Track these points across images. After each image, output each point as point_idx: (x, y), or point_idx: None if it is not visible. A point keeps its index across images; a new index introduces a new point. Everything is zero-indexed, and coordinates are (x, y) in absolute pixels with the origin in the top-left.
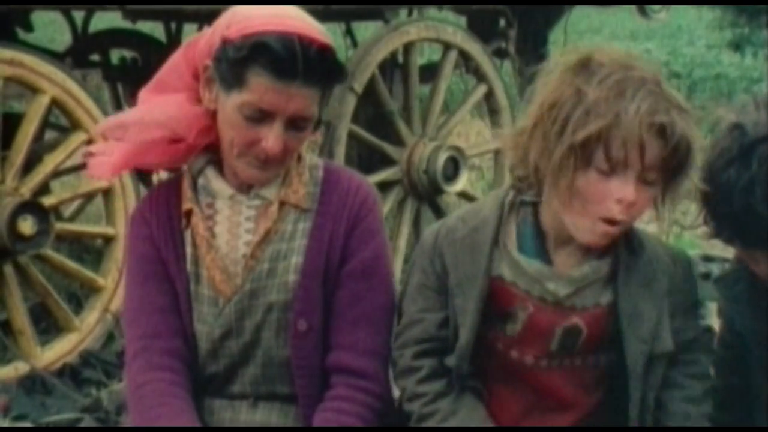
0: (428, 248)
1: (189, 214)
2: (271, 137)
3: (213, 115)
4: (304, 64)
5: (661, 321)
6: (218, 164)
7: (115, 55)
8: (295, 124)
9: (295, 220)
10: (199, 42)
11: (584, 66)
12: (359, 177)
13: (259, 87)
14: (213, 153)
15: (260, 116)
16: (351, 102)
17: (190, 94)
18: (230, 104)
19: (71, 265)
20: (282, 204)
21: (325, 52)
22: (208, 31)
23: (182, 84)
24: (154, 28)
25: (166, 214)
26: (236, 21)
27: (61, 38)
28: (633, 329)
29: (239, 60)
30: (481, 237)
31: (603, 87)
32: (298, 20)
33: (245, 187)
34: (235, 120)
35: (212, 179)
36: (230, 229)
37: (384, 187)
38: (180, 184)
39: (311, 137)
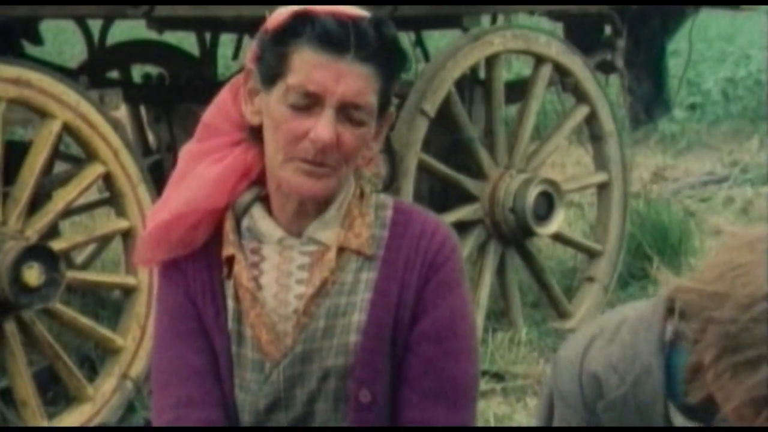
0: (573, 402)
1: (231, 261)
2: (320, 125)
3: (259, 140)
4: (356, 34)
5: None
6: (266, 201)
7: (138, 72)
8: (350, 114)
9: (357, 269)
10: (246, 62)
11: None
12: (435, 218)
13: (304, 64)
14: (260, 187)
15: (307, 103)
16: (421, 126)
17: (237, 158)
18: (273, 99)
19: (84, 321)
20: (341, 250)
21: (381, 25)
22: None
23: (230, 122)
24: (184, 39)
25: (204, 260)
26: (281, 12)
27: (72, 51)
28: None
29: (281, 35)
30: (649, 393)
31: None
32: (350, 9)
33: (297, 229)
34: (279, 114)
35: (259, 220)
36: (279, 280)
37: (462, 228)
38: (221, 225)
39: (371, 166)
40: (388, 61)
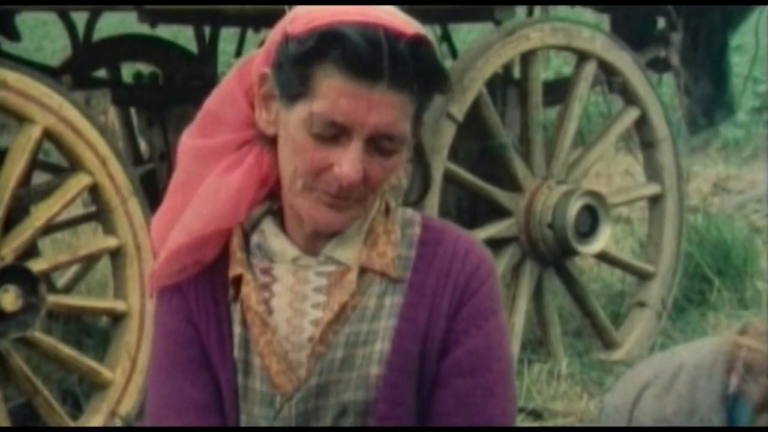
0: None
1: (238, 281)
2: (347, 160)
3: (272, 143)
4: (391, 59)
5: None
6: (279, 215)
7: (128, 71)
8: (380, 145)
9: (381, 293)
10: (257, 58)
11: None
12: (469, 237)
13: (331, 91)
14: (272, 200)
15: (333, 133)
16: (448, 132)
17: (253, 166)
18: (293, 119)
19: (67, 351)
20: (363, 271)
21: (420, 46)
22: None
23: (239, 115)
24: (179, 33)
25: (207, 280)
26: (302, 14)
27: (53, 47)
28: None
29: (304, 56)
30: None
31: None
32: (385, 13)
33: (314, 247)
34: (300, 140)
35: (270, 236)
36: (293, 304)
37: (494, 246)
38: (227, 242)
39: (393, 179)
40: (426, 86)
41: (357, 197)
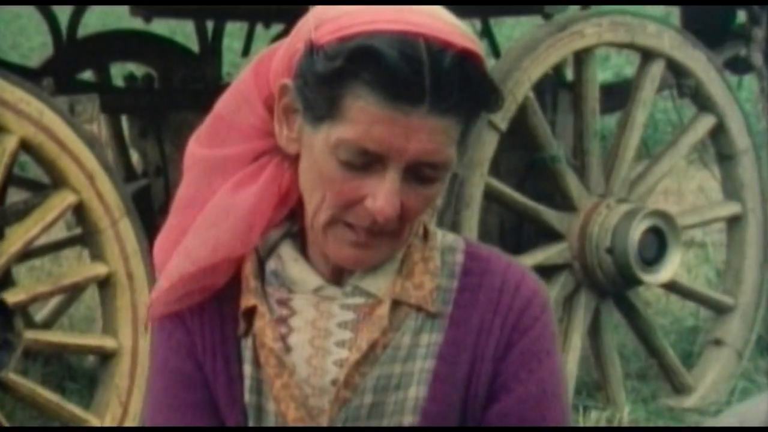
0: None
1: (251, 314)
2: (382, 193)
3: (294, 162)
4: (433, 79)
5: None
6: (300, 239)
7: (119, 72)
8: (420, 173)
9: (417, 329)
10: (276, 53)
11: None
12: (520, 266)
13: (363, 115)
14: (292, 221)
15: (365, 161)
16: (490, 143)
17: (270, 181)
18: (319, 144)
19: (47, 396)
20: (396, 304)
21: (467, 61)
22: (287, 38)
23: (255, 121)
24: (176, 29)
25: (214, 311)
26: (330, 19)
27: (30, 44)
28: None
29: (333, 74)
30: None
31: None
32: (425, 17)
33: (340, 276)
34: (327, 167)
35: (289, 262)
36: (314, 341)
37: (543, 274)
38: (240, 266)
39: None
40: (474, 106)
41: (391, 231)
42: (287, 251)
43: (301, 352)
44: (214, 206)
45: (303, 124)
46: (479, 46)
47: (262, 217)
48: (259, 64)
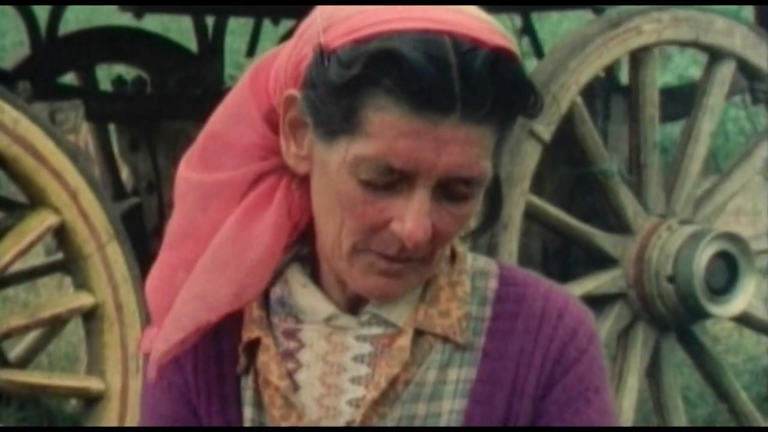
0: None
1: (253, 347)
2: (411, 215)
3: (304, 182)
4: (463, 83)
5: None
6: (310, 262)
7: (106, 75)
8: (452, 191)
9: (443, 363)
10: (276, 60)
11: None
12: (562, 292)
13: (385, 129)
14: (300, 243)
15: (389, 181)
16: (532, 156)
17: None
18: (335, 162)
19: None
20: (420, 334)
21: (500, 60)
22: (290, 42)
23: (254, 138)
24: (170, 25)
25: (211, 346)
26: (341, 19)
27: (2, 42)
28: None
29: (349, 83)
30: None
31: None
32: (450, 13)
33: (355, 303)
34: (345, 188)
35: (297, 288)
36: (326, 378)
37: (594, 305)
38: None
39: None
40: (510, 112)
41: (421, 257)
42: (295, 276)
43: (311, 391)
44: (225, 242)
45: (314, 139)
46: (513, 44)
47: (279, 248)
48: (256, 73)
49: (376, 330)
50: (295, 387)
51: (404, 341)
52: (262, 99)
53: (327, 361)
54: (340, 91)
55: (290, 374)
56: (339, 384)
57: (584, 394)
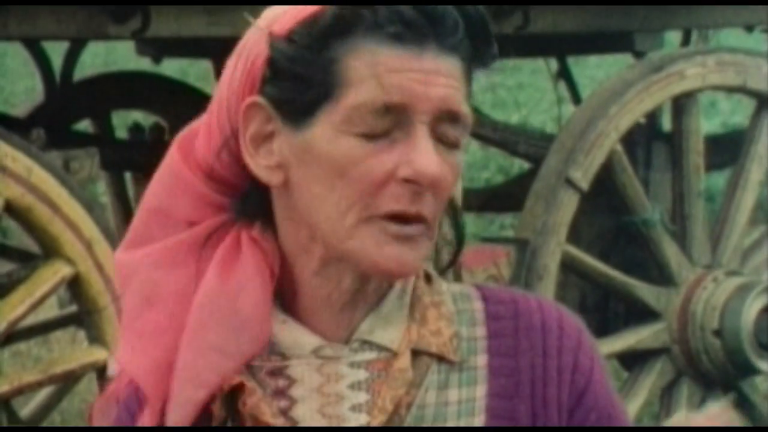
0: None
1: (238, 392)
2: (417, 153)
3: (263, 216)
4: (433, 11)
5: None
6: (285, 297)
7: (122, 122)
8: (443, 133)
9: (442, 384)
10: (198, 129)
11: None
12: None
13: (373, 68)
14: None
15: (386, 125)
16: (568, 205)
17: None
18: (322, 135)
19: None
20: (415, 355)
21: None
22: (226, 72)
23: (195, 201)
24: (189, 69)
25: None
26: (281, 13)
27: (14, 89)
28: None
29: (319, 42)
30: None
31: None
32: None
33: (341, 330)
34: (340, 153)
35: (277, 325)
36: (325, 409)
37: (636, 360)
38: None
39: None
40: (475, 52)
41: (427, 214)
42: (272, 314)
43: (311, 424)
44: (214, 296)
45: (286, 135)
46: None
47: (271, 286)
48: (184, 142)
49: (369, 355)
50: (293, 423)
51: (404, 362)
52: (191, 163)
53: (323, 393)
54: (311, 56)
55: (284, 412)
56: (340, 413)
57: (609, 396)
